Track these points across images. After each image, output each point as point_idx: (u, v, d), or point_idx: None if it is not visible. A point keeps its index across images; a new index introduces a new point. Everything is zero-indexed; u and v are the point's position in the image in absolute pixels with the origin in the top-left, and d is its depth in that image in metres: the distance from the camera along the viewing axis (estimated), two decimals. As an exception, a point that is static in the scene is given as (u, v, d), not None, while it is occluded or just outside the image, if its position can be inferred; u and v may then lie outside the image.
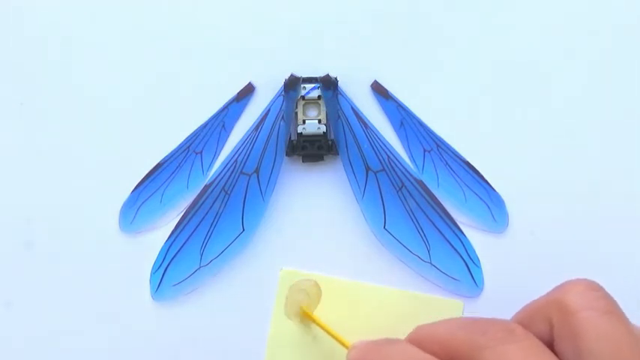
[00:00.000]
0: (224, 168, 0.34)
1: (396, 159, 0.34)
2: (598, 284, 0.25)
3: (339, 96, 0.34)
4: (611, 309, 0.24)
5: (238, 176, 0.34)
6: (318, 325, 0.31)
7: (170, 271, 0.34)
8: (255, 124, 0.34)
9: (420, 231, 0.34)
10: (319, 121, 0.34)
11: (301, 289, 0.31)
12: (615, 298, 0.25)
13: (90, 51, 0.35)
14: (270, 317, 0.33)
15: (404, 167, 0.34)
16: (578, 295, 0.24)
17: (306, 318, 0.31)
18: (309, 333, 0.33)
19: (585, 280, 0.25)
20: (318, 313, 0.31)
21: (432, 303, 0.33)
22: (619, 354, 0.23)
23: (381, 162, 0.34)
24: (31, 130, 0.35)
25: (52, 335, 0.33)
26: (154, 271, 0.34)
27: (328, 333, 0.30)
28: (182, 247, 0.34)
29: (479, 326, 0.24)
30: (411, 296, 0.33)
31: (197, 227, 0.34)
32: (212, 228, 0.34)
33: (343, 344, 0.29)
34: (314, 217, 0.34)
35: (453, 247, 0.34)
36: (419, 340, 0.26)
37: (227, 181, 0.34)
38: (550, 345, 0.24)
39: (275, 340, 0.33)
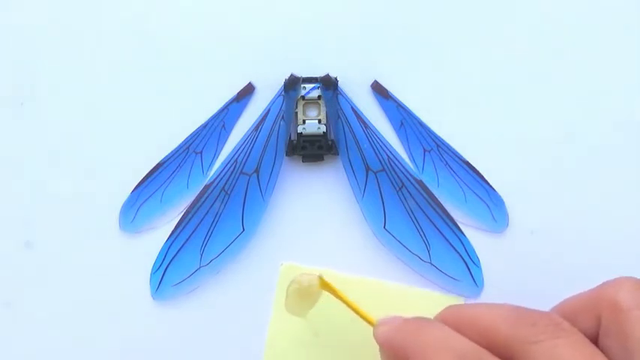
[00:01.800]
0: (224, 168, 0.34)
1: (396, 159, 0.34)
2: None
3: (339, 96, 0.34)
4: None
5: (238, 176, 0.34)
6: (338, 297, 0.30)
7: (170, 271, 0.34)
8: (255, 124, 0.34)
9: (420, 231, 0.34)
10: (319, 121, 0.34)
11: (303, 283, 0.31)
12: None
13: (90, 51, 0.35)
14: (271, 312, 0.33)
15: (404, 167, 0.34)
16: (629, 294, 0.24)
17: (325, 288, 0.30)
18: (309, 328, 0.33)
19: (634, 278, 0.25)
20: (319, 307, 0.31)
21: (433, 298, 0.33)
22: None
23: (381, 162, 0.34)
24: (31, 130, 0.35)
25: (52, 335, 0.33)
26: (154, 271, 0.34)
27: (351, 308, 0.29)
28: (182, 247, 0.34)
29: (525, 318, 0.24)
30: (412, 291, 0.33)
31: (197, 227, 0.34)
32: (212, 228, 0.34)
33: (368, 321, 0.28)
34: (314, 217, 0.34)
35: (453, 247, 0.34)
36: (456, 324, 0.25)
37: (227, 181, 0.34)
38: (594, 340, 0.24)
39: (275, 335, 0.33)
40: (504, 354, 0.23)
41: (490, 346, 0.24)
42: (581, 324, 0.24)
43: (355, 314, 0.29)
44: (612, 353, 0.23)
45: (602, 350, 0.24)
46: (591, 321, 0.25)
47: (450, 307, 0.26)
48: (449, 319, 0.25)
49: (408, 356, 0.25)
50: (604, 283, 0.25)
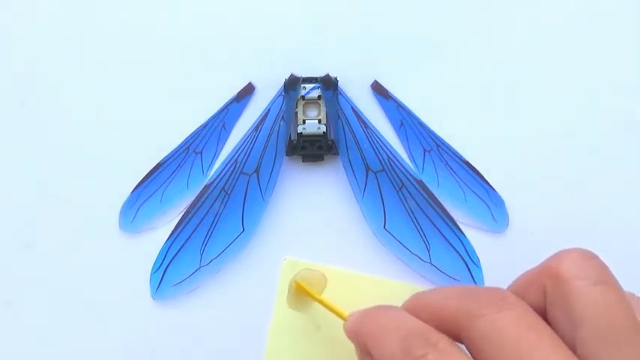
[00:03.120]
0: (224, 168, 0.34)
1: (396, 159, 0.34)
2: (592, 253, 0.24)
3: (339, 96, 0.34)
4: (605, 278, 0.23)
5: (238, 176, 0.34)
6: (314, 298, 0.31)
7: (170, 271, 0.34)
8: (255, 124, 0.34)
9: (420, 231, 0.34)
10: (319, 121, 0.34)
11: (304, 278, 0.31)
12: None
13: (90, 51, 0.35)
14: (273, 306, 0.33)
15: (404, 167, 0.34)
16: (571, 264, 0.24)
17: (302, 296, 0.31)
18: (311, 322, 0.33)
19: (579, 249, 0.24)
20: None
21: None
22: (611, 323, 0.22)
23: (381, 162, 0.34)
24: (31, 130, 0.35)
25: (52, 335, 0.34)
26: (154, 271, 0.34)
27: (325, 306, 0.30)
28: (182, 247, 0.34)
29: (471, 294, 0.24)
30: (412, 288, 0.33)
31: (197, 227, 0.34)
32: (212, 228, 0.34)
33: (341, 316, 0.29)
34: (314, 217, 0.34)
35: (453, 247, 0.34)
36: (413, 308, 0.25)
37: (227, 181, 0.34)
38: (543, 313, 0.24)
39: (277, 330, 0.33)
40: (453, 331, 0.24)
41: (440, 325, 0.24)
42: (530, 298, 0.24)
43: (332, 313, 0.30)
44: (559, 324, 0.23)
45: (549, 322, 0.24)
46: (538, 294, 0.24)
47: (414, 294, 0.26)
48: (408, 305, 0.26)
49: (366, 344, 0.25)
50: (550, 256, 0.25)
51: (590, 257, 0.24)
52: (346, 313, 0.28)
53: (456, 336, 0.24)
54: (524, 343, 0.22)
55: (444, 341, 0.23)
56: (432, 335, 0.23)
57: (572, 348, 0.23)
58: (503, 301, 0.23)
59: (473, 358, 0.23)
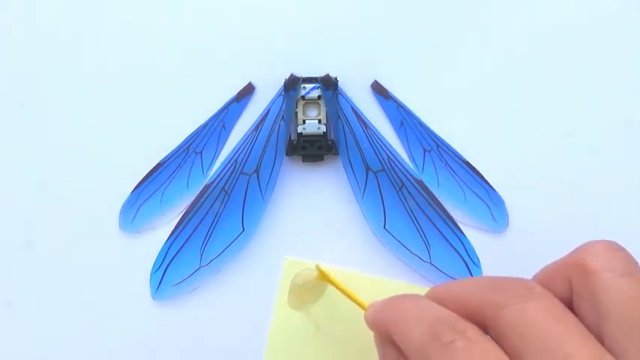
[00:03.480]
0: (224, 168, 0.34)
1: (396, 159, 0.34)
2: (618, 245, 0.24)
3: (339, 96, 0.34)
4: (631, 270, 0.23)
5: (238, 176, 0.34)
6: (335, 285, 0.30)
7: (170, 271, 0.34)
8: (255, 124, 0.34)
9: (420, 231, 0.34)
10: (319, 121, 0.34)
11: (306, 277, 0.31)
12: None
13: (90, 51, 0.35)
14: (273, 307, 0.33)
15: (404, 167, 0.34)
16: (597, 256, 0.24)
17: (323, 277, 0.30)
18: (311, 322, 0.33)
19: (606, 240, 0.24)
20: (321, 302, 0.31)
21: None
22: (636, 315, 0.22)
23: (381, 162, 0.34)
24: (31, 130, 0.35)
25: (52, 335, 0.34)
26: (154, 271, 0.34)
27: (345, 294, 0.30)
28: (182, 247, 0.34)
29: (497, 285, 0.24)
30: (412, 288, 0.33)
31: (197, 227, 0.34)
32: (212, 228, 0.34)
33: (361, 305, 0.29)
34: (314, 217, 0.34)
35: (453, 247, 0.34)
36: (438, 297, 0.25)
37: (227, 181, 0.34)
38: (569, 305, 0.24)
39: (277, 330, 0.33)
40: (478, 320, 0.23)
41: (465, 315, 0.24)
42: (555, 289, 0.24)
43: (352, 302, 0.29)
44: (585, 316, 0.23)
45: (575, 313, 0.23)
46: (564, 286, 0.24)
47: (438, 284, 0.26)
48: (434, 294, 0.26)
49: (390, 331, 0.25)
50: (576, 248, 0.25)
51: (616, 249, 0.24)
52: (366, 303, 0.28)
53: (482, 326, 0.24)
54: (553, 334, 0.22)
55: (472, 329, 0.23)
56: (459, 323, 0.23)
57: (599, 340, 0.22)
58: (530, 291, 0.23)
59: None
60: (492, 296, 0.23)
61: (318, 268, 0.30)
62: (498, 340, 0.23)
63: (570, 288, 0.24)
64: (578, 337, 0.22)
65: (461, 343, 0.22)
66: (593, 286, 0.23)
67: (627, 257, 0.24)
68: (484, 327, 0.23)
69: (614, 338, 0.22)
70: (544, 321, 0.22)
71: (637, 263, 0.24)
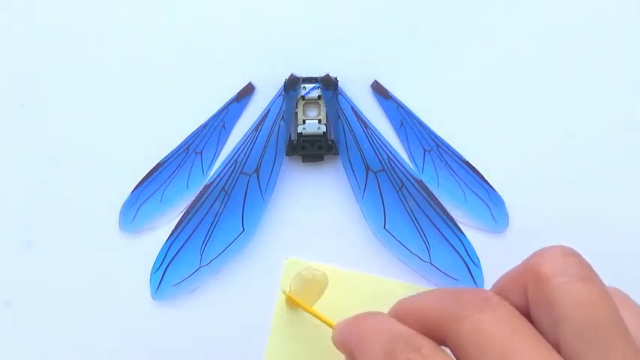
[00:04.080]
0: (224, 168, 0.34)
1: (396, 159, 0.34)
2: (573, 250, 0.24)
3: (339, 96, 0.34)
4: (586, 274, 0.23)
5: (238, 176, 0.34)
6: (303, 308, 0.31)
7: (170, 271, 0.34)
8: (255, 124, 0.34)
9: (420, 231, 0.34)
10: (319, 121, 0.34)
11: (306, 278, 0.31)
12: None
13: (90, 51, 0.35)
14: (273, 306, 0.33)
15: (404, 167, 0.34)
16: (552, 262, 0.23)
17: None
18: (311, 322, 0.33)
19: (561, 245, 0.24)
20: (321, 302, 0.31)
21: None
22: (595, 319, 0.22)
23: (381, 162, 0.34)
24: (31, 130, 0.35)
25: (52, 335, 0.33)
26: (154, 271, 0.34)
27: (314, 315, 0.30)
28: (182, 247, 0.34)
29: (454, 296, 0.24)
30: (412, 288, 0.33)
31: (197, 227, 0.34)
32: (212, 228, 0.34)
33: (330, 325, 0.29)
34: (314, 217, 0.34)
35: (453, 247, 0.34)
36: (398, 313, 0.25)
37: (227, 181, 0.34)
38: (526, 313, 0.24)
39: (277, 330, 0.33)
40: (438, 335, 0.23)
41: (425, 330, 0.24)
42: (512, 298, 0.24)
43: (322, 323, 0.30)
44: (542, 323, 0.23)
45: (533, 321, 0.23)
46: (521, 293, 0.24)
47: (400, 299, 0.26)
48: (394, 310, 0.25)
49: (351, 349, 0.25)
50: (531, 254, 0.24)
51: (571, 254, 0.24)
52: (334, 322, 0.28)
53: (441, 340, 0.23)
54: (508, 345, 0.22)
55: (428, 345, 0.23)
56: (415, 339, 0.23)
57: (556, 347, 0.22)
58: (486, 302, 0.23)
59: None
60: (450, 308, 0.23)
61: (284, 292, 0.31)
62: (457, 353, 0.23)
63: (526, 295, 0.24)
64: (532, 345, 0.22)
65: None
66: (549, 292, 0.23)
67: (582, 262, 0.23)
68: (444, 341, 0.23)
69: (570, 344, 0.22)
70: (499, 331, 0.22)
71: (592, 268, 0.23)
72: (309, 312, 0.31)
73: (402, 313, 0.25)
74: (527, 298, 0.24)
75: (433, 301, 0.24)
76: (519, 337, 0.22)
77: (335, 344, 0.27)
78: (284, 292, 0.31)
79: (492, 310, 0.23)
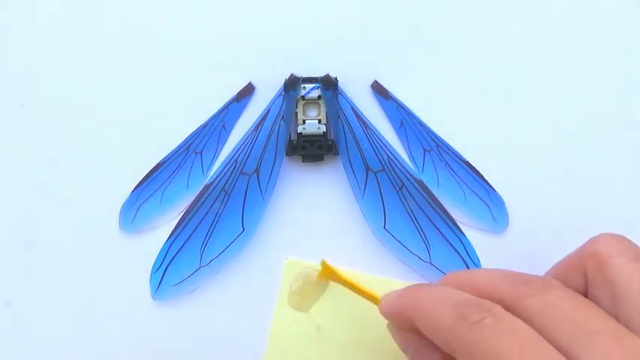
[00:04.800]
0: (224, 168, 0.34)
1: (396, 159, 0.34)
2: (623, 235, 0.26)
3: (339, 96, 0.34)
4: None
5: (238, 176, 0.34)
6: (342, 280, 0.31)
7: (170, 271, 0.34)
8: (255, 124, 0.34)
9: (420, 231, 0.34)
10: (319, 121, 0.34)
11: (306, 278, 0.31)
12: None
13: (90, 51, 0.35)
14: (274, 307, 0.33)
15: (404, 167, 0.34)
16: (608, 245, 0.25)
17: (327, 272, 0.31)
18: (311, 322, 0.33)
19: (610, 233, 0.26)
20: (321, 302, 0.31)
21: None
22: None
23: (381, 162, 0.34)
24: (31, 130, 0.35)
25: (51, 335, 0.34)
26: (154, 271, 0.34)
27: (352, 287, 0.30)
28: (182, 247, 0.34)
29: (520, 278, 0.25)
30: None
31: (197, 227, 0.34)
32: (212, 228, 0.34)
33: (370, 297, 0.29)
34: (314, 217, 0.34)
35: (453, 247, 0.34)
36: (457, 284, 0.26)
37: (227, 181, 0.34)
38: (584, 295, 0.25)
39: (277, 330, 0.33)
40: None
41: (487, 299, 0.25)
42: (571, 282, 0.26)
43: (360, 296, 0.30)
44: (601, 302, 0.25)
45: (592, 300, 0.25)
46: (579, 277, 0.26)
47: (450, 273, 0.28)
48: (450, 281, 0.27)
49: (411, 316, 0.26)
50: (585, 242, 0.26)
51: (623, 238, 0.26)
52: (379, 295, 0.29)
53: None
54: (577, 315, 0.23)
55: (498, 308, 0.24)
56: (485, 303, 0.24)
57: None
58: (549, 283, 0.25)
59: None
60: (516, 288, 0.25)
61: (323, 263, 0.31)
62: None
63: (584, 279, 0.26)
64: (600, 316, 0.24)
65: (489, 320, 0.23)
66: (608, 272, 0.25)
67: (635, 245, 0.26)
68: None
69: (630, 319, 0.24)
70: (568, 306, 0.24)
71: None
72: (346, 283, 0.31)
73: (457, 285, 0.26)
74: (586, 280, 0.26)
75: (495, 278, 0.26)
76: (586, 309, 0.24)
77: (385, 313, 0.28)
78: (322, 262, 0.31)
79: (557, 289, 0.25)
